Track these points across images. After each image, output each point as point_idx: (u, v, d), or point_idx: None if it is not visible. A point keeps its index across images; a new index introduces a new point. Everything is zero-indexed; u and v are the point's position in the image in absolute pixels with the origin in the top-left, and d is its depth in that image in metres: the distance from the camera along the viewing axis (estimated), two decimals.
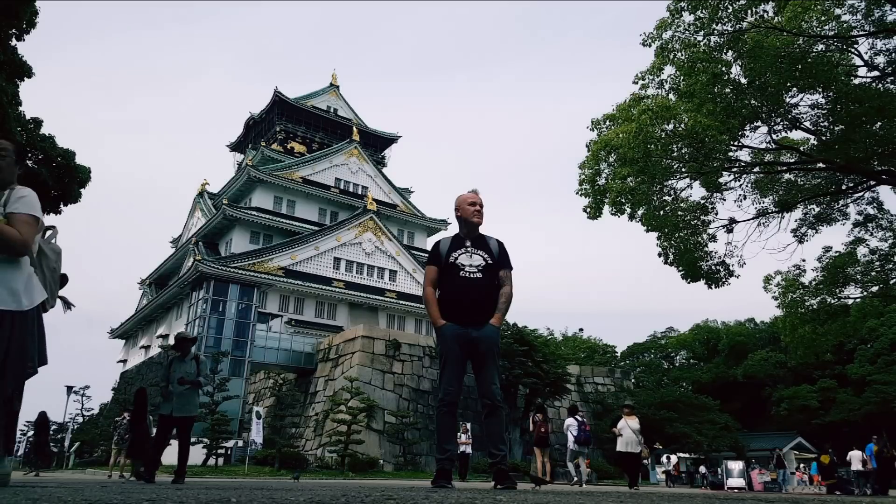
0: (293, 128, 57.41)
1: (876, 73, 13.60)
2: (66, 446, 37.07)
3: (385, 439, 28.97)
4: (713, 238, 15.71)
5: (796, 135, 15.53)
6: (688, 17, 13.29)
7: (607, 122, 14.81)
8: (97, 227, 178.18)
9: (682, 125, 13.21)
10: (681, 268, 15.70)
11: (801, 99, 13.94)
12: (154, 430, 12.17)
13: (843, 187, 15.98)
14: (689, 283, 15.73)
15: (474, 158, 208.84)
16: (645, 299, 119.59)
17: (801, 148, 15.42)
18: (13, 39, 13.56)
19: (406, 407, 30.66)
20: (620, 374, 43.45)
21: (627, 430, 14.19)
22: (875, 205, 16.42)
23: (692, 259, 15.45)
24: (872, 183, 15.17)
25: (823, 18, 12.14)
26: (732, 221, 15.85)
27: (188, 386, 8.32)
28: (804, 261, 17.86)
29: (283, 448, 26.74)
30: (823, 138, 14.44)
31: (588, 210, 14.69)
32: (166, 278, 51.92)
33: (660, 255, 15.85)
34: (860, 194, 16.19)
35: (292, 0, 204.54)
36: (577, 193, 14.89)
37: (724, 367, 61.29)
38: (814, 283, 17.28)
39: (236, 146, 63.07)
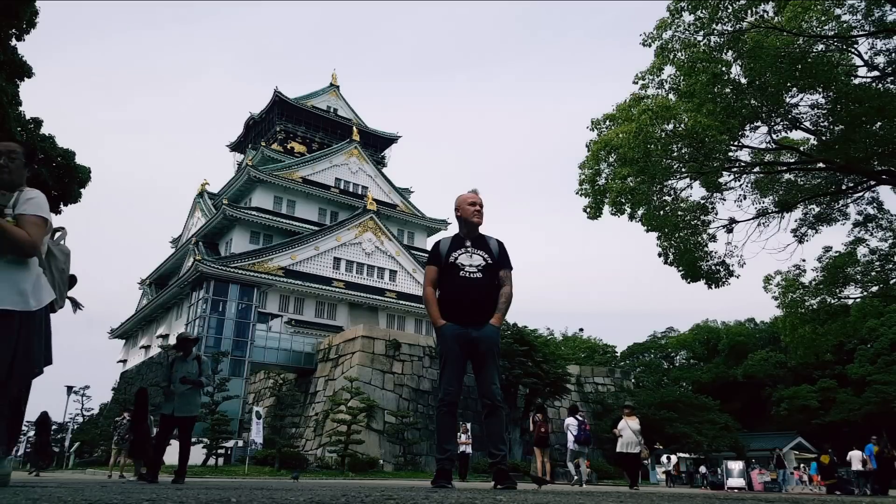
0: (293, 128, 57.44)
1: (876, 73, 13.61)
2: (66, 446, 37.08)
3: (385, 439, 28.97)
4: (713, 238, 15.72)
5: (796, 135, 15.56)
6: (688, 17, 13.31)
7: (607, 122, 14.82)
8: (97, 227, 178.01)
9: (682, 125, 13.22)
10: (681, 268, 15.71)
11: (801, 99, 13.97)
12: (155, 430, 12.19)
13: (843, 187, 15.98)
14: (689, 283, 15.74)
15: (474, 158, 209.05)
16: (645, 299, 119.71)
17: (801, 148, 15.42)
18: (13, 39, 13.59)
19: (406, 407, 30.67)
20: (620, 374, 43.45)
21: (627, 431, 14.22)
22: (875, 205, 16.44)
23: (692, 259, 15.45)
24: (872, 183, 15.17)
25: (823, 18, 12.15)
26: (732, 221, 15.85)
27: (190, 386, 8.34)
28: (804, 261, 17.90)
29: (283, 448, 26.73)
30: (823, 138, 14.45)
31: (588, 210, 14.70)
32: (166, 278, 51.94)
33: (660, 255, 15.86)
34: (860, 194, 16.20)
35: (292, 0, 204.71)
36: (577, 193, 14.91)
37: (724, 367, 61.28)
38: (814, 283, 17.29)
39: (236, 146, 63.10)
